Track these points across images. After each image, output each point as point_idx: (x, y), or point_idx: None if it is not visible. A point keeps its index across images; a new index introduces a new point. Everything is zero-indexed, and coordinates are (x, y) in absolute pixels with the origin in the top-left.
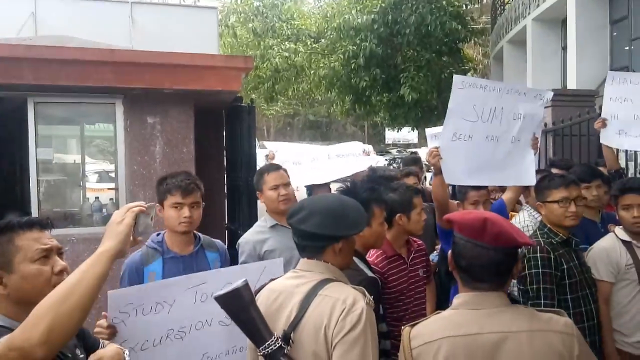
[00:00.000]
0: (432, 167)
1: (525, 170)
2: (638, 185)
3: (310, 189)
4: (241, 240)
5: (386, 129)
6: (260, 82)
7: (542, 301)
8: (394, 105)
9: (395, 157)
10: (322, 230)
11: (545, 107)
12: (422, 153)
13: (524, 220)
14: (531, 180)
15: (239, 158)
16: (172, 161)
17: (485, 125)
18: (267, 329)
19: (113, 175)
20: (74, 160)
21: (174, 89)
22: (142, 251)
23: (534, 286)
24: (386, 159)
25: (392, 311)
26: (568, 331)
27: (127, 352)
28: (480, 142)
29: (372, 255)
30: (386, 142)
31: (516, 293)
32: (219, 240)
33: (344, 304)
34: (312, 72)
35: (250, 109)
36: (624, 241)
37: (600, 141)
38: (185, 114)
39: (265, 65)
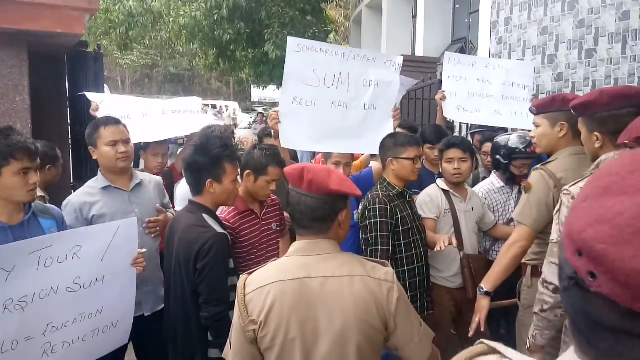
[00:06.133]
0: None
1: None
2: (460, 141)
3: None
4: (65, 201)
5: (252, 87)
6: (113, 27)
7: (379, 247)
8: (259, 62)
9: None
10: None
11: None
12: None
13: None
14: None
15: (84, 110)
16: (1, 112)
17: (330, 91)
18: None
19: None
20: None
21: (2, 29)
22: None
23: (373, 234)
24: (252, 117)
25: (245, 265)
26: (388, 279)
27: None
28: (326, 108)
29: (224, 212)
30: (252, 100)
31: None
32: (53, 206)
33: None
34: (171, 19)
35: (97, 56)
36: (443, 190)
37: (444, 115)
38: (16, 57)
39: (117, 9)
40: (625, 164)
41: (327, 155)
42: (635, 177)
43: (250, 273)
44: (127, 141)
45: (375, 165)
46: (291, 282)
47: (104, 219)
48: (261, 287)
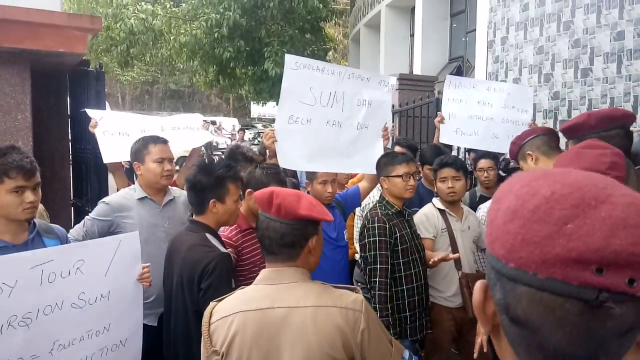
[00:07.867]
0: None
1: (373, 159)
2: (452, 160)
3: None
4: (107, 198)
5: (252, 103)
6: (114, 45)
7: (378, 265)
8: (259, 79)
9: (260, 131)
10: None
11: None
12: None
13: (374, 195)
14: None
15: (85, 128)
16: (3, 130)
17: (325, 110)
18: None
19: None
20: None
21: (5, 48)
22: None
23: (372, 253)
24: (251, 133)
25: (247, 282)
26: (355, 307)
27: None
28: (321, 127)
29: (226, 230)
30: (252, 116)
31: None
32: (57, 225)
33: None
34: (172, 37)
35: (99, 75)
36: (439, 209)
37: (440, 140)
38: (19, 76)
39: (118, 26)
40: (565, 184)
41: (312, 176)
42: (592, 189)
43: (220, 300)
44: (171, 160)
45: (362, 183)
46: (253, 313)
47: (133, 228)
48: (225, 316)
